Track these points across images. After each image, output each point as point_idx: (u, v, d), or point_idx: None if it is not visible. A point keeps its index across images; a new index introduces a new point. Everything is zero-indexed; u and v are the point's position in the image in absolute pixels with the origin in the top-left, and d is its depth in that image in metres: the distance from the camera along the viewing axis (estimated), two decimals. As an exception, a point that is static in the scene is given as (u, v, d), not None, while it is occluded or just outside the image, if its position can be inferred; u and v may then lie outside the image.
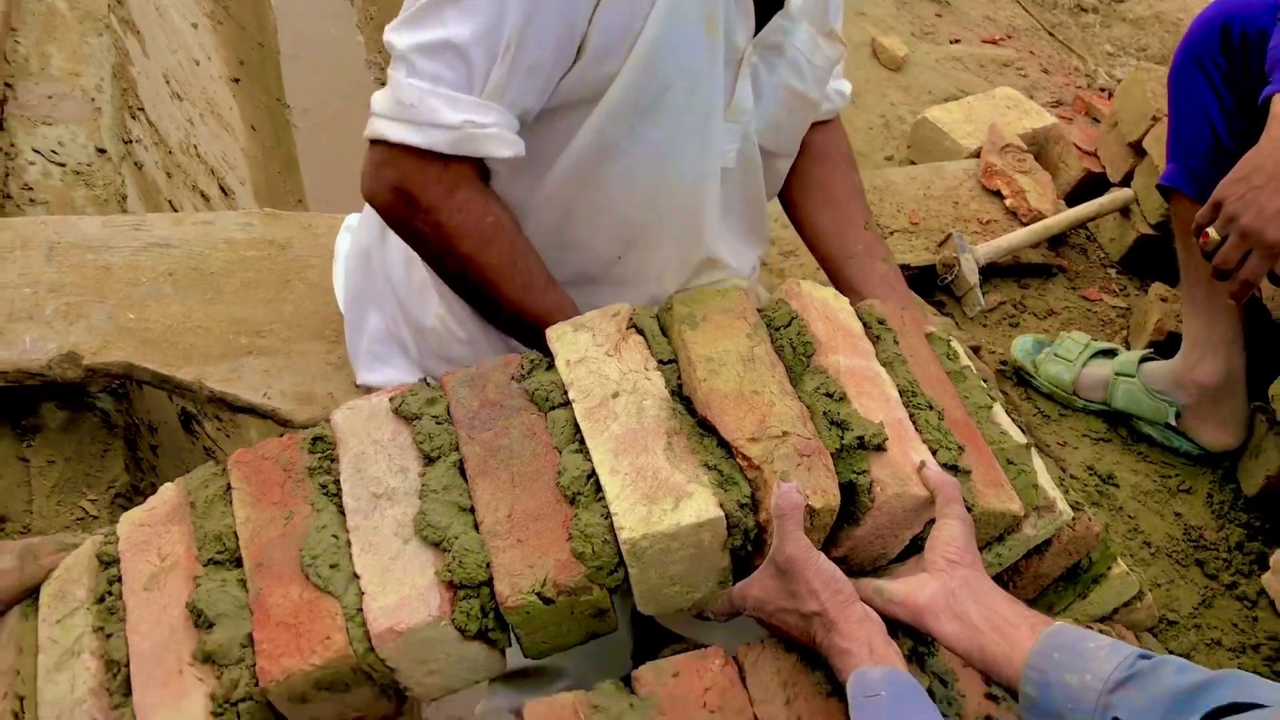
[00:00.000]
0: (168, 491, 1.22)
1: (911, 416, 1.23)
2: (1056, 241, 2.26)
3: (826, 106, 1.55)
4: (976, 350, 1.96)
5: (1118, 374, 1.98)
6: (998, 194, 2.30)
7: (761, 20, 1.34)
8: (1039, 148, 2.49)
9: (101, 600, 1.17)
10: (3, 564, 1.25)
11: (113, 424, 1.70)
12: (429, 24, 1.20)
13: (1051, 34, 3.17)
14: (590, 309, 1.28)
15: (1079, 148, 2.46)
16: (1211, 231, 1.52)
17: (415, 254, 1.37)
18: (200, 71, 3.29)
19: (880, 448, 1.14)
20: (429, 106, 1.20)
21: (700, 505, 1.07)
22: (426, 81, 1.20)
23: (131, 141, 2.37)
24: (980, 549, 1.14)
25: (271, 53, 4.07)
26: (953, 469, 1.18)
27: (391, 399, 1.21)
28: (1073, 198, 2.40)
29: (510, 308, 1.33)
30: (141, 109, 2.57)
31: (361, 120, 1.28)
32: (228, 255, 1.74)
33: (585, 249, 1.43)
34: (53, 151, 2.06)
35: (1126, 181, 2.34)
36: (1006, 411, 1.39)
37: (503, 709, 1.49)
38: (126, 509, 1.26)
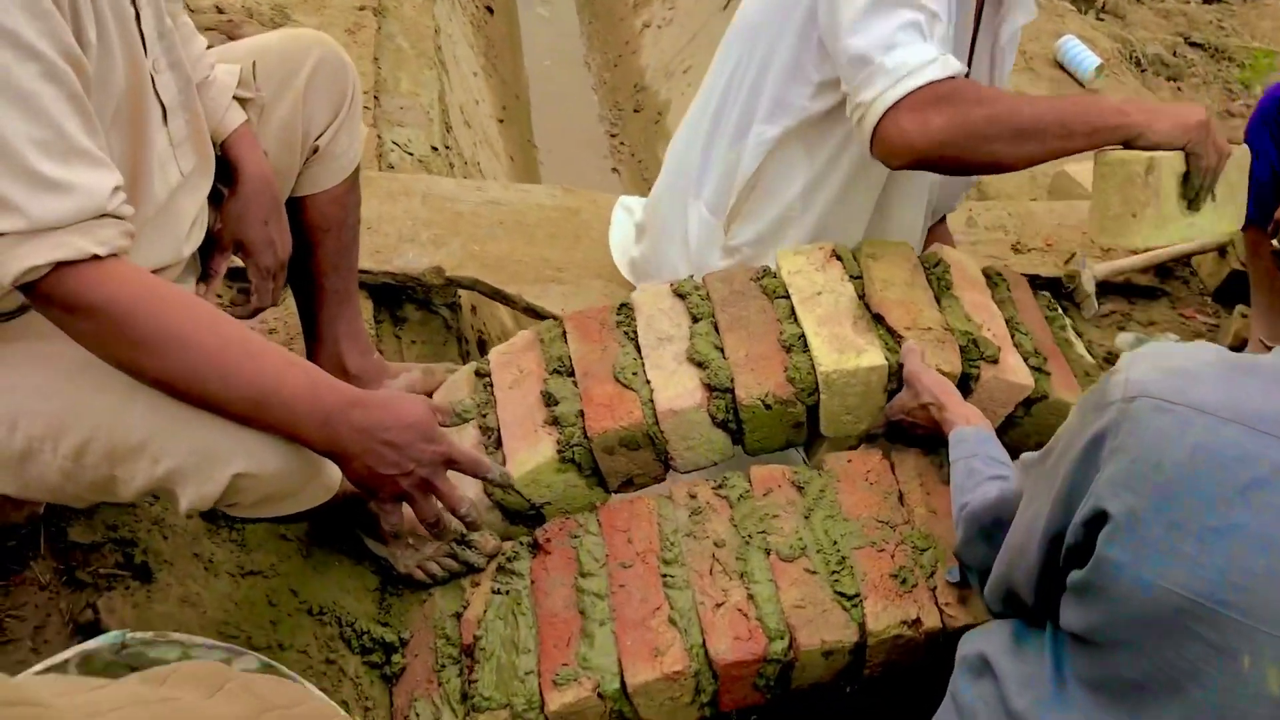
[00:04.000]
0: (523, 335, 1.81)
1: (1012, 337, 1.74)
2: (1164, 273, 2.68)
3: None
4: (1087, 342, 2.42)
5: (1197, 362, 2.39)
6: (1117, 231, 2.73)
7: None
8: (1157, 202, 2.92)
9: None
10: (414, 375, 1.87)
11: (449, 326, 2.33)
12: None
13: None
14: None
15: (1191, 203, 2.87)
16: (1275, 243, 1.98)
17: (711, 225, 1.94)
18: (478, 110, 4.02)
19: (994, 360, 1.64)
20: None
21: (874, 357, 1.59)
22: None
23: (448, 148, 3.06)
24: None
25: (525, 104, 4.82)
26: (1037, 370, 1.68)
27: (672, 284, 1.78)
28: (1182, 241, 2.82)
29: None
30: (450, 128, 3.27)
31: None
32: (539, 215, 2.36)
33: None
34: (406, 143, 2.75)
35: (1229, 231, 2.75)
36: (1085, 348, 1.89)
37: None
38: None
